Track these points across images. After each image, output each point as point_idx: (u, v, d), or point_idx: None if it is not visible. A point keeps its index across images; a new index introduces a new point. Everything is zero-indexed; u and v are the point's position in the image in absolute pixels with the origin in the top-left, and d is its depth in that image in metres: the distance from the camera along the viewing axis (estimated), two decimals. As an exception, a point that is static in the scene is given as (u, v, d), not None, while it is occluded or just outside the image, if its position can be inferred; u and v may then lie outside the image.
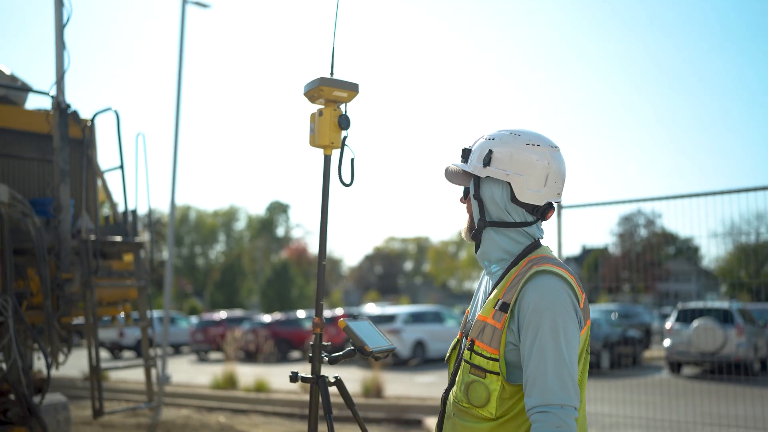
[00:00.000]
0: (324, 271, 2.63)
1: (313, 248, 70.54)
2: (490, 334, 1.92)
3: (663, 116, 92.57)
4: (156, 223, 51.49)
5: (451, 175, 2.15)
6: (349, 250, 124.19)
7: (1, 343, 4.85)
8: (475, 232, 2.08)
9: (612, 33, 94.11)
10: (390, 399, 11.73)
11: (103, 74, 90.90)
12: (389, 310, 23.57)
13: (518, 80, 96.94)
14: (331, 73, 2.64)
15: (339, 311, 26.13)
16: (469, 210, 2.13)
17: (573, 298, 1.90)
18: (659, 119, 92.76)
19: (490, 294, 2.03)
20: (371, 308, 27.15)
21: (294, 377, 2.57)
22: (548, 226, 5.93)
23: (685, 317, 15.50)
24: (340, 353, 2.52)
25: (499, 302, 1.94)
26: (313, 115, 2.64)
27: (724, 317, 14.78)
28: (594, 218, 6.35)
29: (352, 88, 2.61)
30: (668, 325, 15.96)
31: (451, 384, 2.09)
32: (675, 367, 15.54)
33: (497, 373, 1.89)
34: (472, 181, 2.07)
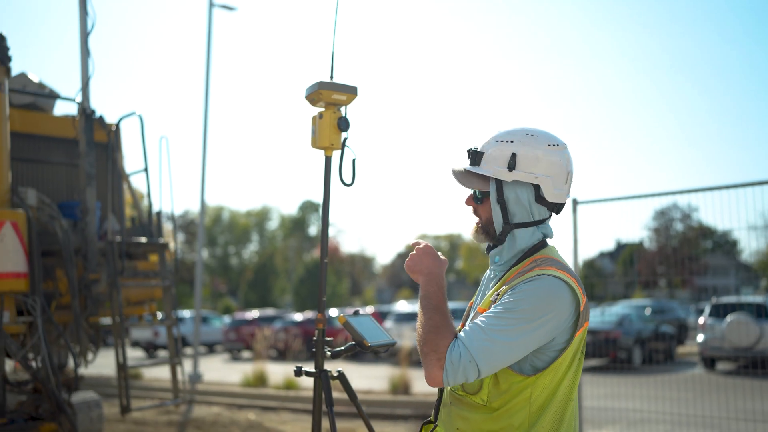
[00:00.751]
0: (326, 269, 2.70)
1: (345, 247, 70.95)
2: None
3: (698, 107, 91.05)
4: (189, 224, 52.24)
5: (463, 179, 2.10)
6: (382, 248, 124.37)
7: (31, 342, 5.02)
8: (501, 234, 2.06)
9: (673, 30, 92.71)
10: (417, 396, 11.78)
11: (132, 79, 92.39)
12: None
13: (538, 71, 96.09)
14: (331, 77, 2.71)
15: (370, 309, 26.24)
16: (484, 212, 2.10)
17: (572, 300, 1.93)
18: (694, 110, 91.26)
19: (492, 288, 2.08)
20: (403, 306, 27.18)
21: (298, 371, 2.65)
22: (564, 221, 5.92)
23: (719, 312, 15.24)
24: (342, 348, 2.59)
25: (495, 296, 1.99)
26: (314, 118, 2.72)
27: (759, 312, 14.52)
28: (628, 213, 6.24)
29: (350, 91, 2.67)
30: (701, 320, 15.73)
31: None
32: (709, 362, 15.31)
33: None
34: (494, 185, 2.04)
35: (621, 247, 62.06)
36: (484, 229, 2.09)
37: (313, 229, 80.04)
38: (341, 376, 2.66)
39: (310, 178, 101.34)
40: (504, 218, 2.03)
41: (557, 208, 2.08)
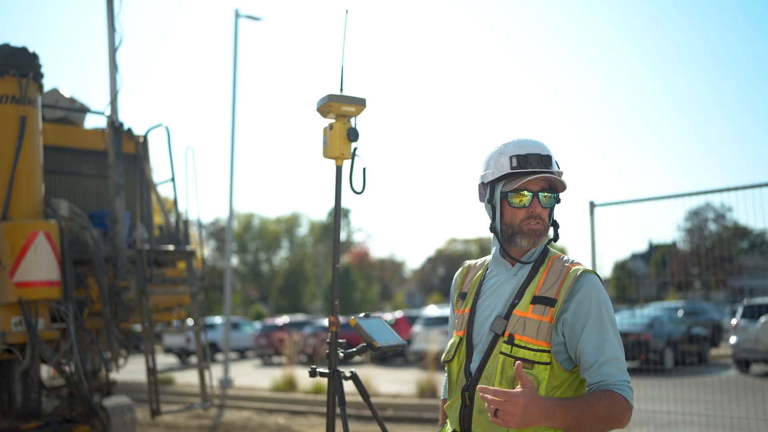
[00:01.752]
0: (338, 274, 2.81)
1: (375, 252, 71.12)
2: (535, 327, 2.05)
3: (735, 104, 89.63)
4: (220, 231, 52.83)
5: (561, 183, 2.20)
6: (411, 252, 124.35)
7: (64, 348, 5.21)
8: (555, 233, 2.24)
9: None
10: (445, 399, 11.84)
11: (159, 90, 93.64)
12: (448, 311, 23.58)
13: (556, 72, 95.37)
14: (341, 89, 2.82)
15: (399, 314, 26.32)
16: (550, 215, 2.22)
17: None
18: (730, 109, 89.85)
19: (518, 291, 2.14)
20: (432, 310, 27.22)
21: (312, 372, 2.76)
22: (582, 224, 5.95)
23: (752, 313, 15.03)
24: (353, 349, 2.70)
25: (536, 297, 2.08)
26: (325, 129, 2.83)
27: (792, 313, 14.29)
28: (660, 213, 6.14)
29: (359, 103, 2.78)
30: (734, 321, 15.52)
31: (475, 380, 2.13)
32: (743, 365, 15.09)
33: (546, 363, 2.03)
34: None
35: (653, 249, 61.26)
36: (546, 230, 2.20)
37: (343, 235, 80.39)
38: (354, 377, 2.77)
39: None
40: (551, 218, 2.20)
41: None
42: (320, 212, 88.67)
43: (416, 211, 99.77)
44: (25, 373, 5.16)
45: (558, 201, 2.20)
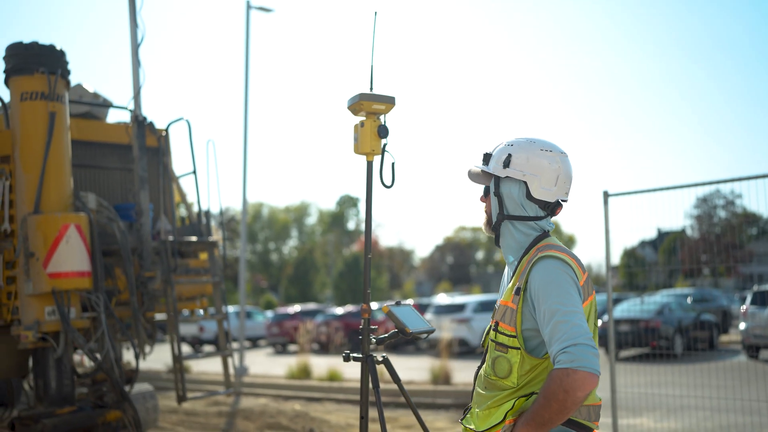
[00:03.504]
0: (369, 264, 2.96)
1: (384, 240, 71.28)
2: (510, 315, 2.26)
3: (744, 93, 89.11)
4: (230, 221, 53.11)
5: (474, 176, 2.51)
6: (420, 240, 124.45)
7: (95, 336, 5.40)
8: (495, 224, 2.43)
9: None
10: (458, 386, 12.01)
11: (172, 84, 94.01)
12: (459, 299, 23.77)
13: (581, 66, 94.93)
14: (371, 88, 2.96)
15: (410, 302, 26.54)
16: (488, 207, 2.47)
17: (572, 276, 2.21)
18: (738, 96, 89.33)
19: (510, 282, 2.37)
20: (442, 298, 27.41)
21: (347, 357, 2.92)
22: (597, 214, 6.05)
23: (762, 300, 15.12)
24: (386, 335, 2.86)
25: (516, 288, 2.28)
26: (356, 126, 2.97)
27: (802, 298, 14.38)
28: (669, 201, 6.19)
29: (389, 101, 2.93)
30: (743, 308, 15.62)
31: (483, 362, 2.43)
32: (752, 350, 15.19)
33: (517, 348, 2.23)
34: (493, 181, 2.42)
35: (663, 236, 61.13)
36: (488, 221, 2.46)
37: (352, 224, 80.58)
38: (386, 361, 2.93)
39: (347, 173, 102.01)
40: (499, 210, 2.38)
41: (549, 207, 2.36)
42: (329, 201, 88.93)
43: (425, 199, 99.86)
44: (59, 360, 5.35)
45: (487, 192, 2.47)
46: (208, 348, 26.23)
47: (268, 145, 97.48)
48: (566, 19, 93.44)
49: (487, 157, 2.45)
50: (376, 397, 2.76)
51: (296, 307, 29.88)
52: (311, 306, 32.17)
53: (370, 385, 2.86)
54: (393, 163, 3.03)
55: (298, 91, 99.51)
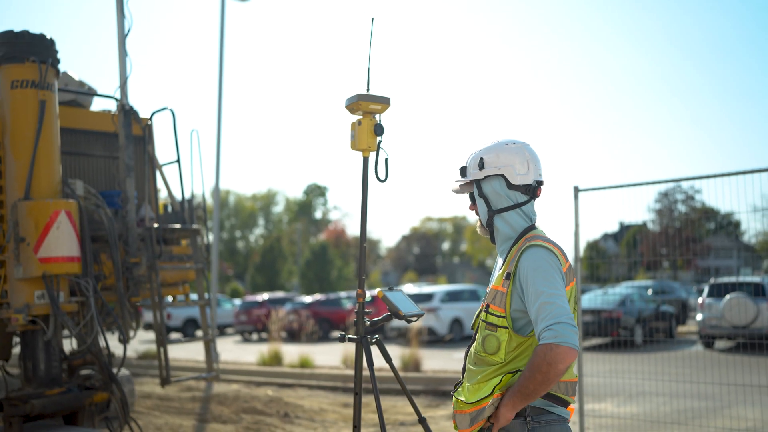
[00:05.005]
0: (365, 253, 3.20)
1: (351, 230, 71.47)
2: (500, 297, 2.55)
3: (702, 88, 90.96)
4: (196, 208, 52.78)
5: (458, 190, 2.83)
6: (387, 231, 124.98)
7: (85, 320, 5.55)
8: (488, 221, 2.71)
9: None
10: (428, 372, 12.34)
11: (150, 72, 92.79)
12: (426, 289, 24.13)
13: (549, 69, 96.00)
14: (367, 89, 3.20)
15: (375, 292, 26.81)
16: (478, 212, 2.76)
17: (557, 263, 2.51)
18: (698, 92, 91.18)
19: (501, 269, 2.62)
20: (409, 288, 27.75)
21: (342, 338, 3.17)
22: (566, 208, 6.39)
23: (718, 292, 15.72)
24: (379, 318, 3.11)
25: (506, 273, 2.56)
26: (353, 124, 3.21)
27: (756, 291, 14.99)
28: (632, 196, 6.50)
29: (385, 102, 3.17)
30: (701, 300, 16.22)
31: (473, 341, 2.70)
32: (708, 340, 15.79)
33: (505, 327, 2.52)
34: (475, 186, 2.72)
35: (624, 229, 62.39)
36: (481, 223, 2.76)
37: (319, 213, 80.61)
38: (379, 342, 3.18)
39: (315, 162, 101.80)
40: (488, 208, 2.69)
41: (530, 190, 2.67)
42: (296, 190, 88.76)
43: (391, 190, 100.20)
44: (48, 343, 5.48)
45: (473, 198, 2.77)
46: (175, 335, 26.19)
47: (237, 132, 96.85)
48: (548, 19, 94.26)
49: (463, 170, 2.75)
50: (371, 377, 3.01)
51: (264, 296, 29.97)
52: (280, 294, 32.27)
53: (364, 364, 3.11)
54: (386, 159, 3.27)
55: (271, 80, 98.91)
